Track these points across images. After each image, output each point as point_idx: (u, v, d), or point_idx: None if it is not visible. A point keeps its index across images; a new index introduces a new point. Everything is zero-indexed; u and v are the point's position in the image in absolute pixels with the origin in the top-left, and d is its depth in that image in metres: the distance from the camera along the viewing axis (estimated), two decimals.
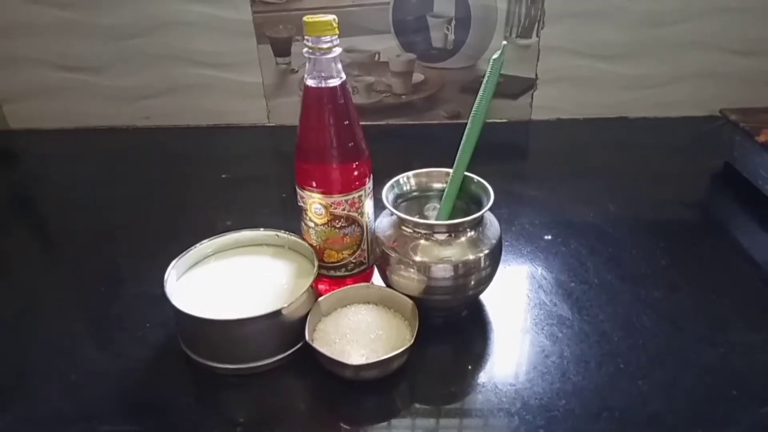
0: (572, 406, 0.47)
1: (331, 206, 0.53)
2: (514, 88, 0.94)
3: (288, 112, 0.98)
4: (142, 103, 0.97)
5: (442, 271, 0.52)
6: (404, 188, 0.57)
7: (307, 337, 0.50)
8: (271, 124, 0.99)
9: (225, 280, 0.55)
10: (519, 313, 0.57)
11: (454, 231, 0.52)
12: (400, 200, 0.57)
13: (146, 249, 0.68)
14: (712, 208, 0.77)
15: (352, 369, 0.48)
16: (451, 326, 0.56)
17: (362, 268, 0.58)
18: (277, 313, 0.49)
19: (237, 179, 0.84)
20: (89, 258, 0.68)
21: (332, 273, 0.57)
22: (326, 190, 0.53)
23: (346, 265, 0.57)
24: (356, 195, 0.54)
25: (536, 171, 0.88)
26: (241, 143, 0.96)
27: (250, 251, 0.59)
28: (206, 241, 0.57)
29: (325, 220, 0.54)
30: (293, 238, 0.58)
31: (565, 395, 0.48)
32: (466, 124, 0.53)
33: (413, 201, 0.58)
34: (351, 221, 0.54)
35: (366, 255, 0.58)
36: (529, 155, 0.94)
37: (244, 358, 0.51)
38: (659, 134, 0.94)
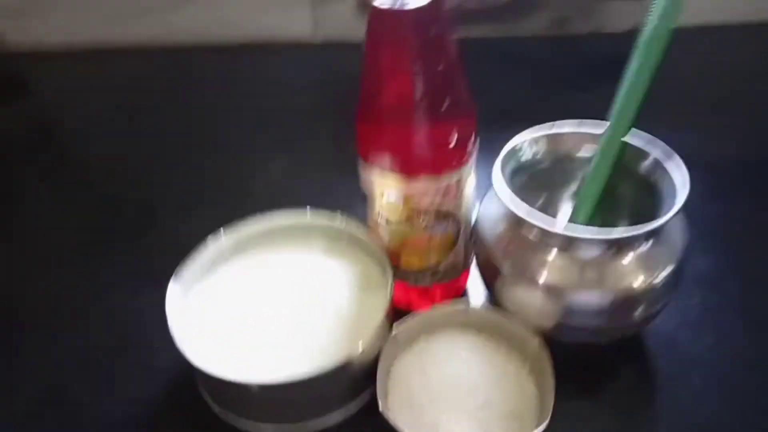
0: None
1: (413, 198, 0.34)
2: None
3: (340, 24, 0.76)
4: (154, 16, 0.77)
5: (588, 304, 0.33)
6: (526, 156, 0.37)
7: (380, 406, 0.32)
8: (318, 42, 0.77)
9: (255, 296, 0.38)
10: (693, 342, 0.38)
11: (616, 246, 0.32)
12: (519, 176, 0.37)
13: (164, 214, 0.52)
14: None
15: None
16: (589, 365, 0.37)
17: (455, 273, 0.39)
18: (342, 368, 0.32)
19: (274, 114, 0.65)
20: (82, 248, 0.52)
21: (411, 282, 0.39)
22: (408, 172, 0.33)
23: (435, 274, 0.38)
24: (454, 178, 0.34)
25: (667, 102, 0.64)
26: (278, 66, 0.75)
27: (289, 245, 0.41)
28: (225, 236, 0.40)
29: (403, 216, 0.35)
30: (356, 228, 0.39)
31: None
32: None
33: (539, 176, 0.38)
34: (443, 216, 0.35)
35: (463, 257, 0.39)
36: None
37: (289, 418, 0.35)
38: None
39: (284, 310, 0.37)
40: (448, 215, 0.35)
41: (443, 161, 0.33)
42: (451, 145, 0.33)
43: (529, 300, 0.34)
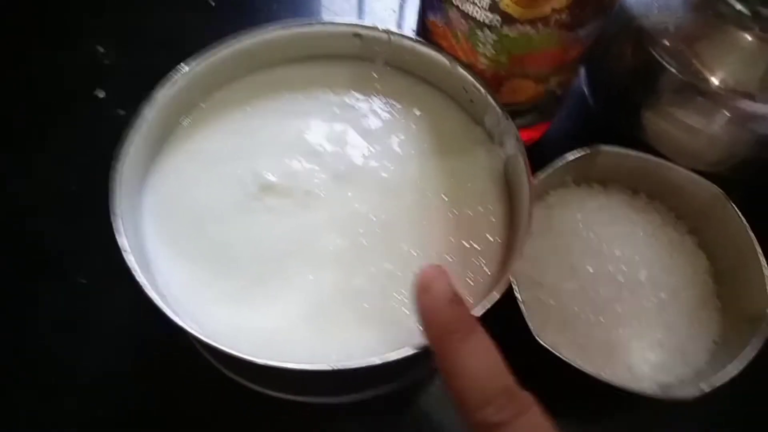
0: None
1: None
2: None
3: None
4: None
5: None
6: None
7: (533, 331, 0.20)
8: None
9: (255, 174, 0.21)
10: None
11: None
12: None
13: None
14: None
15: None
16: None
17: (556, 107, 0.26)
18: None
19: None
20: None
21: None
22: None
23: (540, 106, 0.24)
24: None
25: None
26: None
27: (294, 79, 0.23)
28: (187, 65, 0.21)
29: (546, 6, 0.19)
30: (408, 41, 0.23)
31: None
32: None
33: None
34: (604, 7, 0.20)
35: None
36: None
37: (348, 390, 0.21)
38: None
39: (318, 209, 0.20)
40: (611, 3, 0.20)
41: None
42: None
43: (714, 122, 0.22)
